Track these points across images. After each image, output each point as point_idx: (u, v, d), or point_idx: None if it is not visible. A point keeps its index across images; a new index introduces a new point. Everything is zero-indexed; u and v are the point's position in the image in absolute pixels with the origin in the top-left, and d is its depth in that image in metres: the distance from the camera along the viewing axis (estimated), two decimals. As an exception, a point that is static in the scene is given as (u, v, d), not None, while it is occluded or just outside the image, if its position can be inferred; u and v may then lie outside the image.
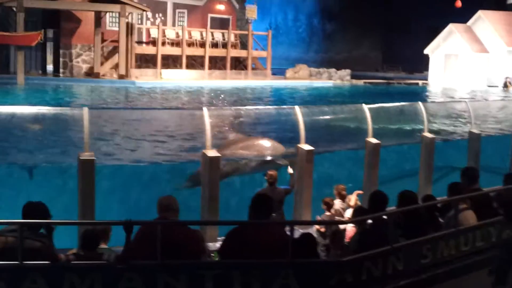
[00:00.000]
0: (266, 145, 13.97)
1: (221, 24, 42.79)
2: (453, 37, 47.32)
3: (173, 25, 40.64)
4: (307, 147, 10.15)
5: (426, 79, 48.56)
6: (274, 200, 7.40)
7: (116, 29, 35.83)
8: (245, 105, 25.12)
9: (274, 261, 5.93)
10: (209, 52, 39.83)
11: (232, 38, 41.50)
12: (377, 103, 12.50)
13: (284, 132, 14.51)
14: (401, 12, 68.01)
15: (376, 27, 70.16)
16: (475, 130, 13.02)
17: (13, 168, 12.99)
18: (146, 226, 6.12)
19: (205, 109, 9.53)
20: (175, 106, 25.85)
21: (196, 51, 39.63)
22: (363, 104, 11.32)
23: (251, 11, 45.52)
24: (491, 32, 46.35)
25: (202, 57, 39.82)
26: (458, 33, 46.84)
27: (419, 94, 36.27)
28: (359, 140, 11.60)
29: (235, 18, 44.82)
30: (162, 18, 40.38)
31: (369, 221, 7.03)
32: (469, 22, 47.60)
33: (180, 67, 38.54)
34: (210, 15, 42.81)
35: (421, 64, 53.22)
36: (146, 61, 38.27)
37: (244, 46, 43.13)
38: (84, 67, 36.83)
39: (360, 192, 10.11)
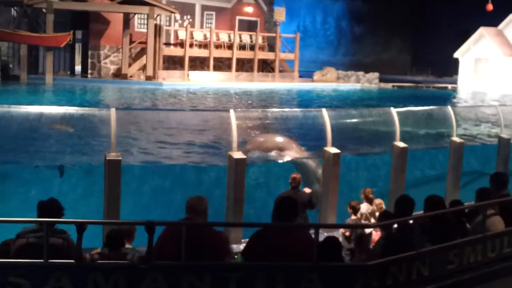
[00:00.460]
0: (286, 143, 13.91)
1: (249, 26, 42.83)
2: (484, 41, 46.72)
3: (201, 27, 40.77)
4: (333, 150, 10.08)
5: (456, 83, 48.04)
6: (298, 203, 7.36)
7: (144, 30, 36.04)
8: (271, 107, 25.06)
9: (299, 264, 5.89)
10: (237, 54, 39.84)
11: (260, 40, 41.50)
12: (406, 106, 12.38)
13: (310, 135, 14.45)
14: (431, 15, 67.41)
15: (405, 30, 69.54)
16: (504, 135, 12.84)
17: (41, 168, 13.11)
18: (171, 227, 6.12)
19: (231, 111, 9.54)
20: (202, 108, 25.93)
21: (224, 53, 39.70)
22: (391, 108, 11.23)
23: (279, 14, 45.50)
24: (523, 36, 45.77)
25: (230, 59, 39.89)
26: (489, 36, 46.24)
27: (448, 98, 35.91)
28: (387, 144, 11.51)
29: (263, 21, 44.84)
30: (190, 20, 40.55)
31: (395, 225, 6.97)
32: (500, 26, 46.96)
33: (208, 69, 38.63)
34: (238, 17, 42.90)
35: (451, 68, 52.62)
36: (174, 63, 38.45)
37: (271, 48, 43.13)
38: (112, 68, 37.13)
39: None
